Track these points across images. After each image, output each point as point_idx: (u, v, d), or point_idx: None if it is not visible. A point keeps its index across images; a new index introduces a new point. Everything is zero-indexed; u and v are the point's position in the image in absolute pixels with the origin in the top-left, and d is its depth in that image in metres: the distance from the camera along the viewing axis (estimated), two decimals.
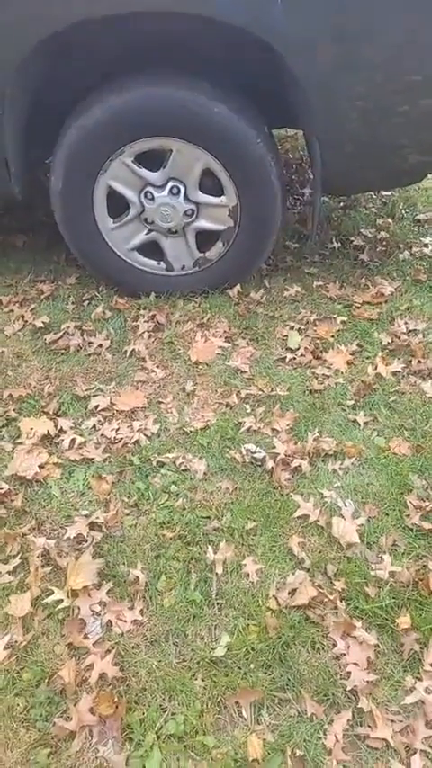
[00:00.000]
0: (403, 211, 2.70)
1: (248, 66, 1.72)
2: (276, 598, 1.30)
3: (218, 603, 1.30)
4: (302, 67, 1.57)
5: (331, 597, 1.30)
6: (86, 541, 1.41)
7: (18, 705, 1.16)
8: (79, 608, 1.29)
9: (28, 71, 1.64)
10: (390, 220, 2.63)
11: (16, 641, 1.25)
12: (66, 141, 1.77)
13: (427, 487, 1.52)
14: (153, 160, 1.83)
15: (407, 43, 1.55)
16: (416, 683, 1.18)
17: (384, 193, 2.81)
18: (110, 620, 1.27)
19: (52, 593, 1.31)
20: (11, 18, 1.52)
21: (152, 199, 1.88)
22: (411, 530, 1.43)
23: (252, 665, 1.21)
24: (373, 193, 2.78)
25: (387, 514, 1.47)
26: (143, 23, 1.57)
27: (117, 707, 1.14)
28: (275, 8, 1.46)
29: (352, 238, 2.48)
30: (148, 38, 1.64)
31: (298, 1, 1.47)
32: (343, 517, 1.45)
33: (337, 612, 1.28)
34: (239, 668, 1.20)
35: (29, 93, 1.73)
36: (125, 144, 1.77)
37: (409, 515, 1.45)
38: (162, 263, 2.05)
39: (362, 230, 2.54)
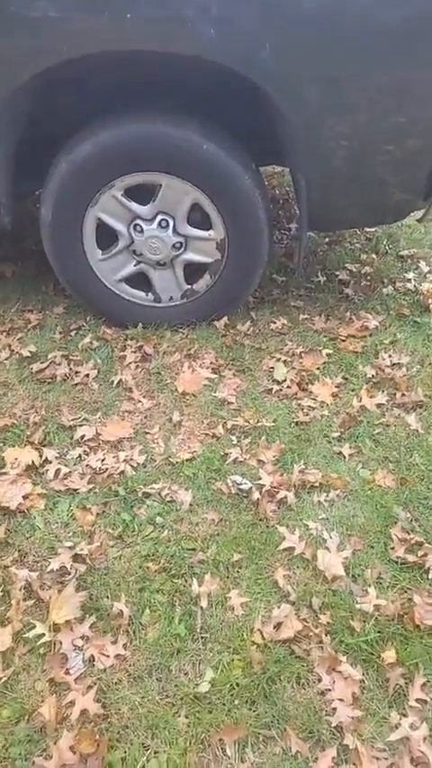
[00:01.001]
0: (387, 247, 2.77)
1: (237, 105, 1.79)
2: (261, 632, 1.29)
3: (202, 638, 1.29)
4: (289, 107, 1.63)
5: (316, 631, 1.29)
6: (70, 574, 1.39)
7: None
8: (61, 642, 1.27)
9: (19, 104, 1.68)
10: (374, 256, 2.70)
11: None
12: (56, 174, 1.80)
13: (411, 520, 1.53)
14: (143, 193, 1.87)
15: (390, 86, 1.62)
16: (401, 719, 1.17)
17: (368, 230, 2.89)
18: (92, 655, 1.25)
19: (34, 627, 1.28)
20: (4, 52, 1.56)
21: (141, 231, 1.92)
22: (396, 562, 1.43)
23: (236, 702, 1.19)
24: (357, 229, 2.86)
25: (372, 547, 1.47)
26: (134, 62, 1.62)
27: (98, 745, 1.12)
28: (264, 50, 1.52)
29: (337, 273, 2.54)
30: (138, 75, 1.69)
31: (285, 43, 1.53)
32: (328, 549, 1.45)
33: (322, 647, 1.27)
34: (224, 704, 1.18)
35: (19, 125, 1.77)
36: (115, 178, 1.81)
37: (393, 548, 1.46)
38: (150, 294, 2.08)
39: (347, 265, 2.60)
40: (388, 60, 1.58)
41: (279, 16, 1.50)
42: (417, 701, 1.19)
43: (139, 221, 1.91)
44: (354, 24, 1.52)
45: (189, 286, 2.06)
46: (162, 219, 1.90)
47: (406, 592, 1.37)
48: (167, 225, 1.91)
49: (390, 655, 1.25)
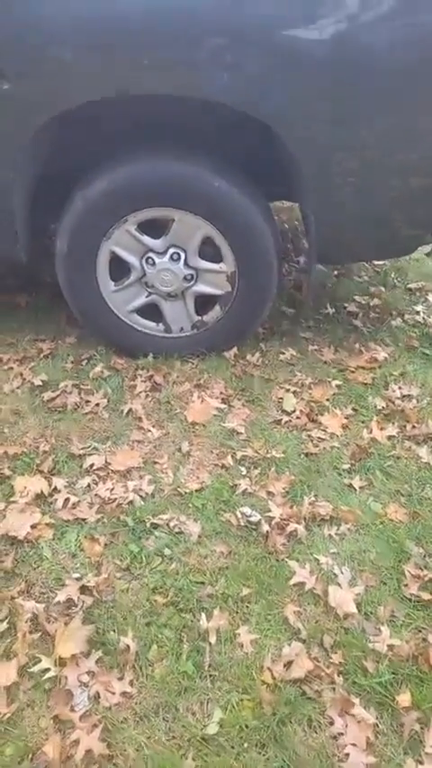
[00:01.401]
0: (395, 280, 2.80)
1: (248, 144, 1.84)
2: (271, 671, 1.25)
3: (210, 675, 1.26)
4: (298, 147, 1.67)
5: (328, 671, 1.25)
6: (76, 606, 1.37)
7: None
8: (67, 678, 1.23)
9: (38, 143, 1.74)
10: (382, 288, 2.72)
11: (0, 713, 1.19)
12: (72, 209, 1.85)
13: (424, 556, 1.50)
14: (155, 227, 1.91)
15: (397, 125, 1.67)
16: (417, 766, 1.12)
17: (377, 263, 2.92)
18: (98, 692, 1.22)
19: (39, 661, 1.25)
20: (28, 95, 1.62)
21: (153, 264, 1.96)
22: (410, 600, 1.40)
23: (246, 744, 1.15)
24: (365, 262, 2.90)
25: (384, 583, 1.44)
26: (147, 104, 1.68)
27: None
28: (274, 92, 1.58)
29: (346, 305, 2.56)
30: (152, 117, 1.75)
31: (296, 87, 1.59)
32: (339, 585, 1.42)
33: (334, 688, 1.23)
34: (232, 747, 1.14)
35: (38, 163, 1.83)
36: (129, 213, 1.85)
37: (407, 585, 1.43)
38: (161, 324, 2.10)
39: (355, 297, 2.62)
40: (396, 101, 1.63)
41: (290, 62, 1.55)
42: None
43: (151, 254, 1.94)
44: (363, 68, 1.57)
45: (199, 317, 2.08)
46: (174, 252, 1.94)
47: (420, 631, 1.34)
48: (179, 258, 1.95)
49: (404, 698, 1.21)
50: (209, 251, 1.95)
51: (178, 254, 1.94)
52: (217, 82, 1.55)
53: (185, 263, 1.96)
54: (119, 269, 1.99)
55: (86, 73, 1.59)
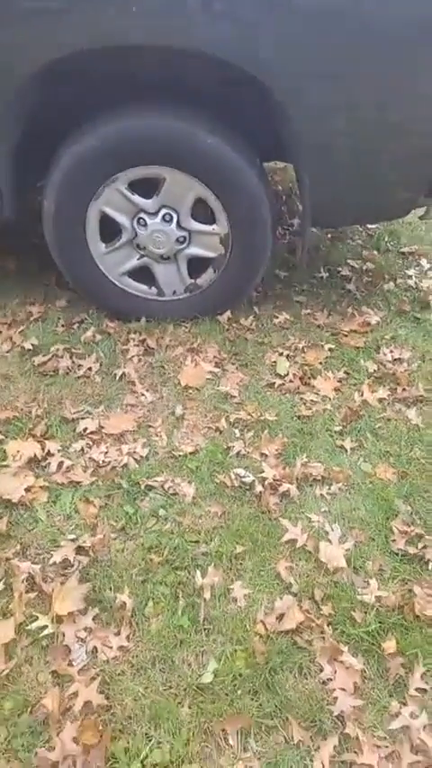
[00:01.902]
0: (388, 244, 2.78)
1: (241, 101, 1.79)
2: (264, 623, 1.29)
3: (205, 629, 1.30)
4: (293, 104, 1.63)
5: (318, 622, 1.30)
6: (72, 566, 1.40)
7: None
8: (64, 634, 1.27)
9: (24, 98, 1.68)
10: (375, 252, 2.70)
11: None
12: (59, 167, 1.80)
13: (412, 513, 1.54)
14: (147, 187, 1.87)
15: (394, 84, 1.62)
16: (401, 708, 1.18)
17: (370, 226, 2.89)
18: (95, 647, 1.26)
19: (36, 619, 1.29)
20: (10, 46, 1.56)
21: (145, 225, 1.92)
22: (397, 554, 1.44)
23: (239, 692, 1.20)
24: (359, 226, 2.86)
25: (373, 539, 1.48)
26: (138, 56, 1.62)
27: (101, 736, 1.12)
28: (268, 46, 1.53)
29: (339, 269, 2.55)
30: (143, 69, 1.69)
31: (289, 40, 1.53)
32: (330, 542, 1.46)
33: (324, 637, 1.28)
34: (226, 695, 1.19)
35: (23, 118, 1.77)
36: (118, 171, 1.81)
37: (394, 540, 1.47)
38: (153, 288, 2.08)
39: (349, 261, 2.61)
40: (392, 58, 1.58)
41: (282, 12, 1.50)
42: (417, 690, 1.20)
43: (142, 215, 1.91)
44: (357, 22, 1.52)
45: (192, 280, 2.06)
46: (166, 213, 1.90)
47: (406, 583, 1.38)
48: (171, 219, 1.91)
49: (390, 645, 1.26)
50: (202, 212, 1.92)
51: (170, 214, 1.91)
52: (207, 32, 1.50)
53: (178, 225, 1.92)
54: (110, 230, 1.96)
55: (72, 23, 1.52)
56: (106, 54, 1.58)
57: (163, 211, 1.90)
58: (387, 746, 1.13)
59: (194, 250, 1.99)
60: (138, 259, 2.01)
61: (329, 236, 2.83)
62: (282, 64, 1.56)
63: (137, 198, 1.88)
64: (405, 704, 1.18)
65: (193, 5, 1.48)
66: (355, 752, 1.12)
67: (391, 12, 1.51)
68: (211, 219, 1.92)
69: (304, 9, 1.49)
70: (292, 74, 1.59)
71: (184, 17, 1.49)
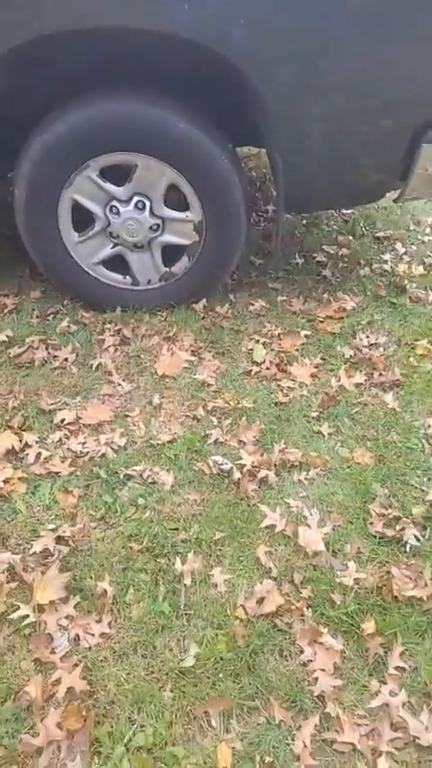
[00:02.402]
0: (363, 229, 2.79)
1: (212, 84, 1.77)
2: (244, 607, 1.31)
3: (186, 614, 1.31)
4: (265, 87, 1.62)
5: (298, 605, 1.32)
6: (53, 555, 1.40)
7: None
8: (46, 623, 1.27)
9: None
10: (351, 238, 2.71)
11: None
12: (29, 155, 1.77)
13: (389, 496, 1.57)
14: (119, 174, 1.85)
15: (365, 66, 1.62)
16: (381, 686, 1.20)
17: (345, 211, 2.90)
18: (77, 634, 1.26)
19: (18, 608, 1.29)
20: None
21: (117, 213, 1.90)
22: (375, 537, 1.47)
23: (221, 675, 1.21)
24: (334, 211, 2.87)
25: (351, 523, 1.50)
26: (107, 39, 1.59)
27: (85, 721, 1.13)
28: (238, 27, 1.51)
29: (315, 255, 2.55)
30: (112, 53, 1.66)
31: (260, 21, 1.52)
32: (309, 526, 1.48)
33: (303, 620, 1.30)
34: (208, 678, 1.21)
35: None
36: (89, 158, 1.78)
37: (372, 523, 1.49)
38: (128, 277, 2.07)
39: (324, 247, 2.61)
40: (362, 41, 1.58)
41: None
42: (395, 668, 1.23)
43: (115, 203, 1.88)
44: (328, 3, 1.51)
45: (167, 269, 2.05)
46: (138, 201, 1.88)
47: (384, 565, 1.41)
48: (144, 206, 1.89)
49: (369, 626, 1.28)
50: (175, 199, 1.90)
51: (143, 202, 1.89)
52: (176, 13, 1.48)
53: (151, 212, 1.91)
54: (82, 219, 1.93)
55: (39, 5, 1.49)
56: (74, 38, 1.55)
57: (135, 199, 1.88)
58: (367, 724, 1.15)
59: (168, 238, 1.97)
60: (111, 248, 1.99)
61: (304, 221, 2.83)
62: (253, 46, 1.55)
63: (109, 185, 1.85)
64: (384, 683, 1.21)
65: None
66: (336, 731, 1.14)
67: None
68: (184, 206, 1.91)
69: None
70: (264, 56, 1.57)
71: None
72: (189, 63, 1.64)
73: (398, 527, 1.48)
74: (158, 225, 1.94)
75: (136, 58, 1.66)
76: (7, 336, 2.01)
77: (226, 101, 1.79)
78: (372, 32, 1.57)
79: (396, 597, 1.34)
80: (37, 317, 2.12)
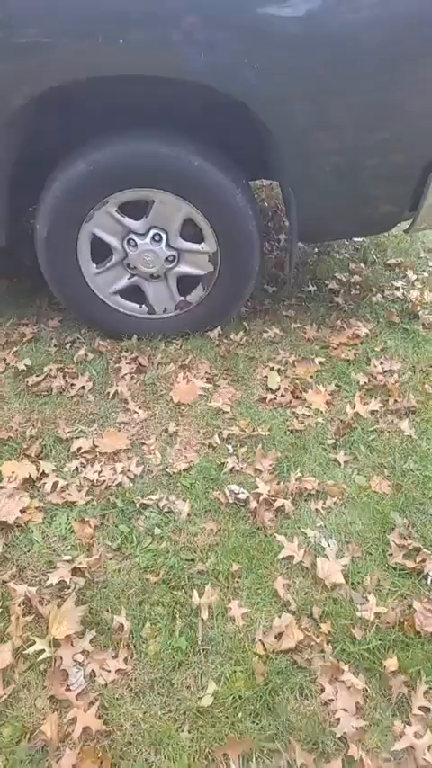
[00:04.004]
0: (375, 257, 2.81)
1: (227, 124, 1.82)
2: (263, 642, 1.28)
3: (204, 650, 1.28)
4: (277, 126, 1.66)
5: (318, 640, 1.29)
6: (69, 588, 1.39)
7: None
8: (62, 658, 1.25)
9: (17, 125, 1.70)
10: (363, 265, 2.73)
11: None
12: (52, 191, 1.82)
13: (408, 526, 1.54)
14: (136, 208, 1.89)
15: (374, 103, 1.65)
16: (405, 727, 1.16)
17: (356, 240, 2.93)
18: (93, 671, 1.24)
19: (34, 642, 1.27)
20: (3, 77, 1.58)
21: (135, 245, 1.94)
22: (395, 569, 1.44)
23: (240, 714, 1.18)
24: (345, 240, 2.90)
25: (370, 554, 1.48)
26: (126, 85, 1.65)
27: (101, 763, 1.11)
28: (252, 72, 1.55)
29: (327, 282, 2.57)
30: (131, 97, 1.72)
31: (272, 65, 1.56)
32: (327, 557, 1.45)
33: (324, 656, 1.27)
34: (227, 718, 1.18)
35: (18, 145, 1.79)
36: (109, 195, 1.83)
37: (392, 554, 1.47)
38: (144, 306, 2.09)
39: (336, 274, 2.63)
40: (371, 79, 1.61)
41: (264, 39, 1.53)
42: (420, 708, 1.19)
43: (132, 236, 1.92)
44: (336, 45, 1.55)
45: (182, 298, 2.08)
46: (155, 234, 1.92)
47: (405, 598, 1.38)
48: (161, 239, 1.93)
49: (392, 662, 1.25)
50: (190, 231, 1.94)
51: (160, 234, 1.92)
52: (192, 61, 1.52)
53: (167, 244, 1.94)
54: (100, 251, 1.97)
55: (62, 55, 1.55)
56: (96, 84, 1.60)
57: (152, 232, 1.92)
58: None
59: (184, 268, 2.00)
60: (128, 279, 2.02)
61: (316, 250, 2.86)
62: (266, 88, 1.59)
63: (127, 220, 1.89)
64: (409, 724, 1.17)
65: (179, 36, 1.50)
66: None
67: (368, 33, 1.55)
68: (199, 238, 1.94)
69: (284, 38, 1.52)
70: (275, 97, 1.61)
71: (171, 49, 1.52)
72: (205, 105, 1.69)
73: (418, 558, 1.45)
74: (174, 256, 1.97)
75: (154, 102, 1.71)
76: (26, 365, 2.04)
77: (240, 139, 1.83)
78: (379, 71, 1.60)
79: (419, 632, 1.30)
80: (55, 345, 2.15)
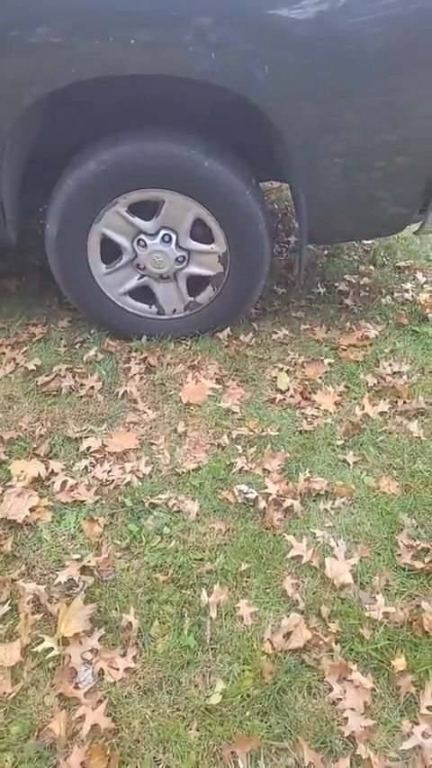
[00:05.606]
0: (384, 259, 2.81)
1: (238, 125, 1.83)
2: (271, 642, 1.28)
3: (212, 649, 1.28)
4: (286, 127, 1.66)
5: (326, 640, 1.29)
6: (78, 586, 1.39)
7: (6, 761, 1.11)
8: (70, 656, 1.26)
9: (28, 124, 1.72)
10: (372, 267, 2.73)
11: (4, 693, 1.21)
12: (62, 191, 1.83)
13: (417, 526, 1.54)
14: (146, 208, 1.90)
15: (381, 105, 1.66)
16: (413, 727, 1.16)
17: (366, 242, 2.92)
18: (101, 669, 1.25)
19: (42, 641, 1.28)
20: (14, 76, 1.60)
21: (145, 246, 1.95)
22: (403, 569, 1.44)
23: (248, 713, 1.18)
24: (355, 242, 2.90)
25: (379, 554, 1.48)
26: (136, 84, 1.66)
27: (110, 760, 1.11)
28: (262, 73, 1.56)
29: (336, 284, 2.57)
30: (141, 97, 1.73)
31: (282, 66, 1.57)
32: (336, 557, 1.45)
33: (332, 655, 1.26)
34: (235, 716, 1.18)
35: (26, 145, 1.80)
36: (119, 195, 1.84)
37: (400, 555, 1.46)
38: (154, 306, 2.10)
39: (346, 276, 2.63)
40: (380, 81, 1.62)
41: (274, 40, 1.54)
42: (428, 708, 1.19)
43: (142, 236, 1.93)
44: (345, 47, 1.56)
45: (192, 298, 2.08)
46: (165, 234, 1.93)
47: (414, 598, 1.37)
48: (170, 239, 1.94)
49: (400, 662, 1.24)
50: (200, 232, 1.94)
51: (169, 235, 1.93)
52: (203, 61, 1.53)
53: (177, 245, 1.95)
54: (110, 251, 1.98)
55: (74, 53, 1.56)
56: (107, 84, 1.62)
57: (162, 232, 1.93)
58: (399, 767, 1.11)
59: (193, 269, 2.01)
60: (138, 279, 2.03)
61: (326, 252, 2.86)
62: (276, 89, 1.60)
63: (137, 220, 1.90)
64: (417, 723, 1.17)
65: (190, 37, 1.52)
66: None
67: (376, 35, 1.55)
68: (209, 239, 1.94)
69: (295, 39, 1.53)
70: (285, 98, 1.62)
71: (182, 49, 1.53)
72: (215, 106, 1.70)
73: (427, 559, 1.45)
74: (184, 257, 1.97)
75: (166, 102, 1.72)
76: (35, 365, 2.05)
77: (250, 139, 1.84)
78: (391, 74, 1.61)
79: (427, 632, 1.30)
80: (64, 345, 2.16)
